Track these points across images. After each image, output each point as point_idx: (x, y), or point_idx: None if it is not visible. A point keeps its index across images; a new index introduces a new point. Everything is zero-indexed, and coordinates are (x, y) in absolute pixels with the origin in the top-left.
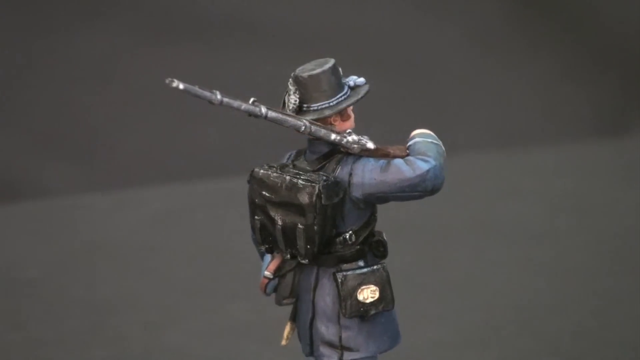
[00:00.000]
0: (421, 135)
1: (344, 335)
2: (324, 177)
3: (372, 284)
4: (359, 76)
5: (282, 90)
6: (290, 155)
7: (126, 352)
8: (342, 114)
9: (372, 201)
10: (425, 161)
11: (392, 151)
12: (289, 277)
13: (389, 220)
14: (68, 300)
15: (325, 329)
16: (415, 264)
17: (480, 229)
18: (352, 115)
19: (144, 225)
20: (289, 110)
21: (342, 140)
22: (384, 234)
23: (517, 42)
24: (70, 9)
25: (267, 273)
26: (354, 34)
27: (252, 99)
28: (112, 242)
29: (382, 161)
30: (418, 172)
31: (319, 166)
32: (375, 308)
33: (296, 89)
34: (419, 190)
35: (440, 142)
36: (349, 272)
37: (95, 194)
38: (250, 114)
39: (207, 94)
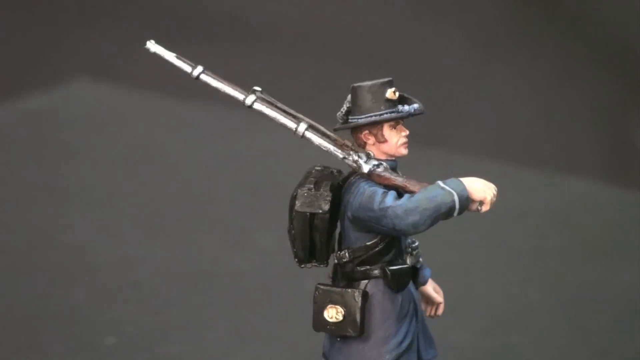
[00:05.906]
0: (447, 180)
1: (330, 350)
2: (309, 187)
3: (340, 305)
4: (414, 101)
5: (284, 90)
6: None
7: None
8: (376, 135)
9: (360, 225)
10: (396, 198)
11: (401, 183)
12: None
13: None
14: None
15: (326, 341)
16: None
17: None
18: (393, 140)
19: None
20: (338, 117)
21: (340, 156)
22: (405, 268)
23: (518, 42)
24: (72, 8)
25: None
26: (355, 34)
27: (254, 87)
28: None
29: (373, 188)
30: (381, 206)
31: (343, 177)
32: (338, 330)
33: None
34: (383, 225)
35: (455, 193)
36: (323, 287)
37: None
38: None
39: (185, 65)
